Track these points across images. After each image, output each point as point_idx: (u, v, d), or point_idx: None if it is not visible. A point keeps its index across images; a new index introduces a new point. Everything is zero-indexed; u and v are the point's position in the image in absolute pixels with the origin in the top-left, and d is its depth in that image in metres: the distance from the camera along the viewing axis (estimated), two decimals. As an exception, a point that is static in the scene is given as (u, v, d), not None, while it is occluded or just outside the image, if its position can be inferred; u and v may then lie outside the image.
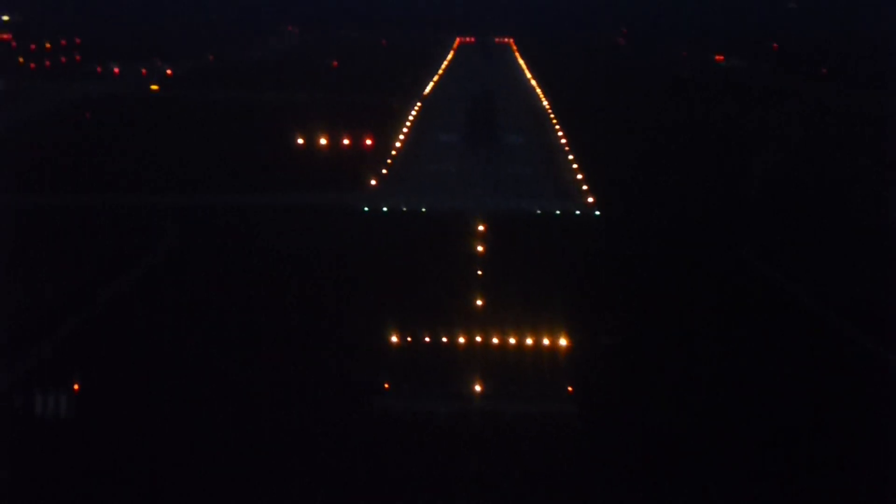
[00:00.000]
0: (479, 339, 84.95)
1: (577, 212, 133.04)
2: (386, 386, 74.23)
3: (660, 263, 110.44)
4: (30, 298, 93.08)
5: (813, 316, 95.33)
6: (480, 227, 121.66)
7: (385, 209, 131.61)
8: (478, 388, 74.92)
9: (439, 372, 78.07)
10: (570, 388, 75.28)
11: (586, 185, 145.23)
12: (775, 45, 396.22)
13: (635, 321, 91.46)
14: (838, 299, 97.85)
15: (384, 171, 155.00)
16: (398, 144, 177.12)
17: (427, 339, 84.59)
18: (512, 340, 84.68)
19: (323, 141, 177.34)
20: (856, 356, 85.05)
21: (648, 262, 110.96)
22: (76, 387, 73.07)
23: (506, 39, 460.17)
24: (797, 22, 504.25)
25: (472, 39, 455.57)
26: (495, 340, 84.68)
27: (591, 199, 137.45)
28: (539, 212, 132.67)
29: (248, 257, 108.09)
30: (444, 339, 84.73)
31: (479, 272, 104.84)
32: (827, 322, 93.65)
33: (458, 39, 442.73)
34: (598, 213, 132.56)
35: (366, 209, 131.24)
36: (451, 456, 66.07)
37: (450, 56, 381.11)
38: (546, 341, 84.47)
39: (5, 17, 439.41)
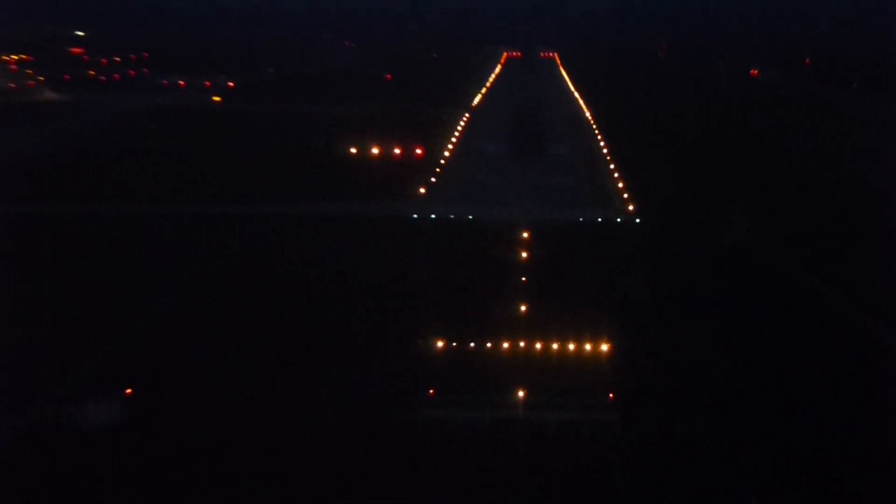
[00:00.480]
0: (522, 344, 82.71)
1: (619, 220, 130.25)
2: (431, 393, 71.95)
3: (696, 268, 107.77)
4: (95, 304, 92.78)
5: (852, 323, 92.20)
6: (525, 235, 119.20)
7: (433, 217, 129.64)
8: (521, 395, 72.62)
9: (483, 379, 75.91)
10: (611, 395, 72.46)
11: (626, 194, 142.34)
12: (808, 60, 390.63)
13: (670, 326, 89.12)
14: (878, 305, 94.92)
15: (433, 179, 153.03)
16: (447, 154, 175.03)
17: (472, 345, 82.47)
18: (554, 346, 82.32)
19: (375, 150, 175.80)
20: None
21: (685, 268, 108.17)
22: (128, 391, 71.74)
23: (550, 53, 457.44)
24: (827, 34, 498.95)
25: (519, 54, 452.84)
26: (538, 346, 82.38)
27: (630, 208, 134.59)
28: (581, 220, 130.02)
29: (299, 265, 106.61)
30: (489, 346, 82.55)
31: (524, 279, 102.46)
32: (866, 328, 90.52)
33: (504, 54, 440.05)
34: (638, 220, 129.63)
35: (415, 217, 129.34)
36: (493, 464, 64.07)
37: (497, 69, 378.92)
38: (588, 347, 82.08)
39: (80, 33, 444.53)
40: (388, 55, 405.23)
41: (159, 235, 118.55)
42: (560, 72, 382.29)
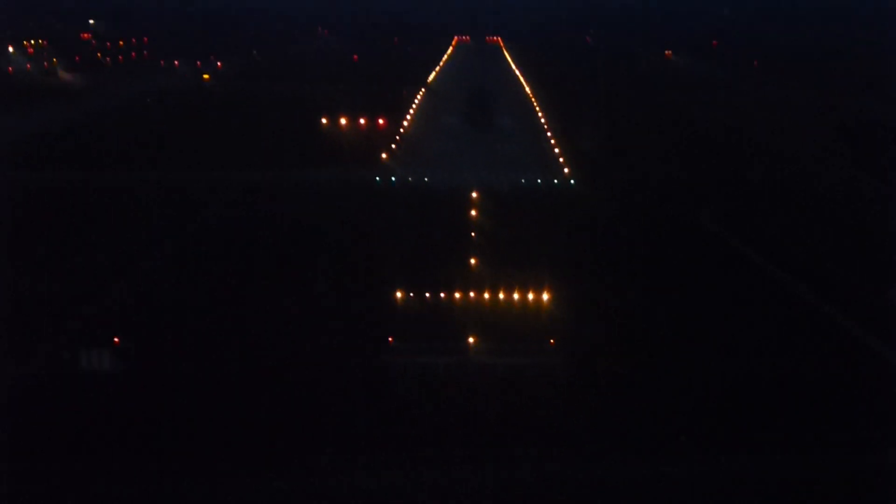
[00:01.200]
0: (472, 295, 77.72)
1: (556, 182, 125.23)
2: (390, 340, 66.82)
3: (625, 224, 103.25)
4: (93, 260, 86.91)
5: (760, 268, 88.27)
6: (474, 195, 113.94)
7: (393, 180, 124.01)
8: (472, 341, 67.66)
9: (438, 327, 70.89)
10: (552, 341, 67.60)
11: (562, 158, 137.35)
12: (714, 41, 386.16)
13: (602, 276, 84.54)
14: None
15: (394, 146, 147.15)
16: (406, 124, 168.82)
17: (427, 296, 77.39)
18: (501, 296, 77.45)
19: (343, 122, 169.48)
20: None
21: (616, 225, 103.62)
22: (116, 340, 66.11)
23: (495, 38, 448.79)
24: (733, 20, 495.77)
25: (468, 38, 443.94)
26: (486, 297, 77.48)
27: (566, 171, 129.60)
28: (524, 182, 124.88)
29: (270, 226, 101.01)
30: (442, 296, 77.51)
31: (473, 235, 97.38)
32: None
33: (455, 38, 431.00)
34: (573, 182, 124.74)
35: (377, 180, 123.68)
36: (447, 405, 59.35)
37: (449, 51, 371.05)
38: (530, 296, 77.25)
39: (92, 21, 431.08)
40: (356, 40, 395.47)
41: (145, 199, 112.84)
42: (503, 53, 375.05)
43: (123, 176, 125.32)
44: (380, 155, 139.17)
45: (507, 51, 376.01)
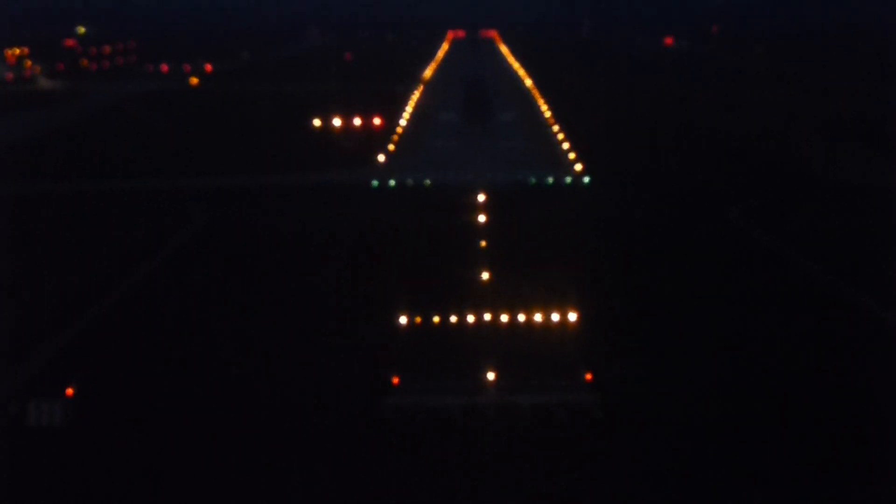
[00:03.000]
0: (488, 317, 66.39)
1: (568, 180, 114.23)
2: (395, 381, 55.42)
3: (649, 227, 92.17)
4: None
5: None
6: (481, 198, 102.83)
7: (392, 183, 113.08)
8: (491, 376, 56.24)
9: (450, 358, 59.51)
10: (588, 376, 56.04)
11: (572, 154, 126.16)
12: (714, 27, 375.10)
13: (633, 289, 73.45)
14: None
15: (391, 147, 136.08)
16: (403, 123, 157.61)
17: (436, 320, 66.20)
18: (521, 318, 66.15)
19: (337, 122, 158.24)
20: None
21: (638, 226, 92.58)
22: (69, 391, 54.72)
23: (490, 32, 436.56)
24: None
25: (462, 33, 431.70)
26: (505, 318, 66.20)
27: (578, 168, 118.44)
28: (534, 181, 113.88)
29: (263, 237, 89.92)
30: (453, 319, 66.27)
31: (483, 243, 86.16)
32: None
33: (449, 33, 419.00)
34: (586, 180, 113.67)
35: (375, 184, 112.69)
36: (465, 457, 48.15)
37: (444, 46, 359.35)
38: (556, 317, 65.97)
39: (81, 29, 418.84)
40: (348, 38, 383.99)
41: (130, 209, 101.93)
42: (499, 47, 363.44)
43: (88, 184, 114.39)
44: (375, 155, 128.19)
45: (504, 44, 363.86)
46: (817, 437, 48.89)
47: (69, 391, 53.86)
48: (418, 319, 66.05)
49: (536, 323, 65.56)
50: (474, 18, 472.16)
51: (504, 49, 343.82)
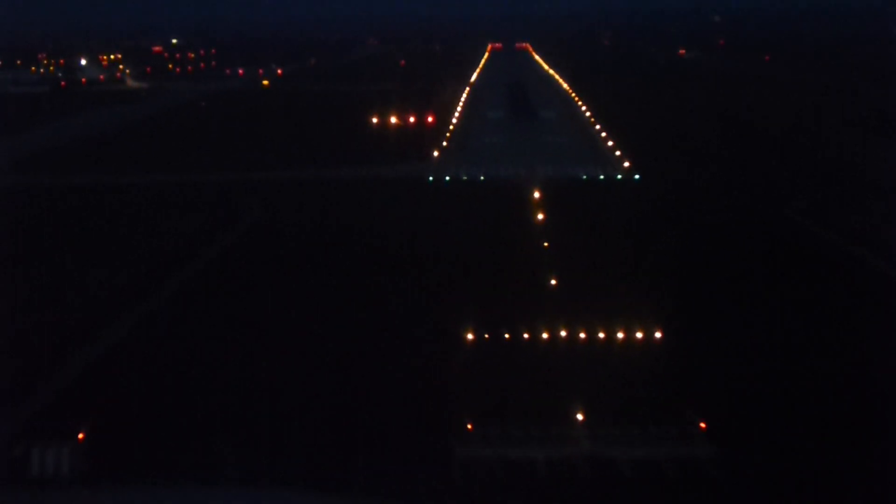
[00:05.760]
0: (563, 334, 49.81)
1: (619, 176, 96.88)
2: (470, 427, 38.99)
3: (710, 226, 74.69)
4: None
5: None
6: (536, 195, 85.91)
7: (447, 178, 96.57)
8: (580, 418, 39.71)
9: (526, 389, 42.95)
10: (702, 424, 39.05)
11: (618, 151, 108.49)
12: (721, 41, 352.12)
13: (714, 300, 56.44)
14: None
15: (444, 143, 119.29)
16: (454, 120, 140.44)
17: (507, 336, 49.72)
18: (600, 335, 49.42)
19: (393, 120, 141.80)
20: None
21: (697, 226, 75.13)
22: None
23: (524, 44, 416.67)
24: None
25: (500, 45, 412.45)
26: (582, 336, 49.55)
27: (626, 165, 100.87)
28: (585, 177, 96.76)
29: (320, 236, 73.82)
30: (526, 336, 49.79)
31: (545, 244, 69.29)
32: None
33: (489, 45, 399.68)
34: (637, 177, 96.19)
35: (430, 179, 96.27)
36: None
37: (486, 56, 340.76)
38: (639, 335, 49.23)
39: (174, 41, 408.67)
40: (402, 48, 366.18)
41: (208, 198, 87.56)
42: (533, 56, 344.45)
43: (148, 178, 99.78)
44: (430, 151, 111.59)
45: (537, 54, 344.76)
46: None
47: (81, 435, 38.32)
48: (486, 336, 49.72)
49: (618, 341, 48.91)
50: (509, 33, 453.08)
51: (538, 58, 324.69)
